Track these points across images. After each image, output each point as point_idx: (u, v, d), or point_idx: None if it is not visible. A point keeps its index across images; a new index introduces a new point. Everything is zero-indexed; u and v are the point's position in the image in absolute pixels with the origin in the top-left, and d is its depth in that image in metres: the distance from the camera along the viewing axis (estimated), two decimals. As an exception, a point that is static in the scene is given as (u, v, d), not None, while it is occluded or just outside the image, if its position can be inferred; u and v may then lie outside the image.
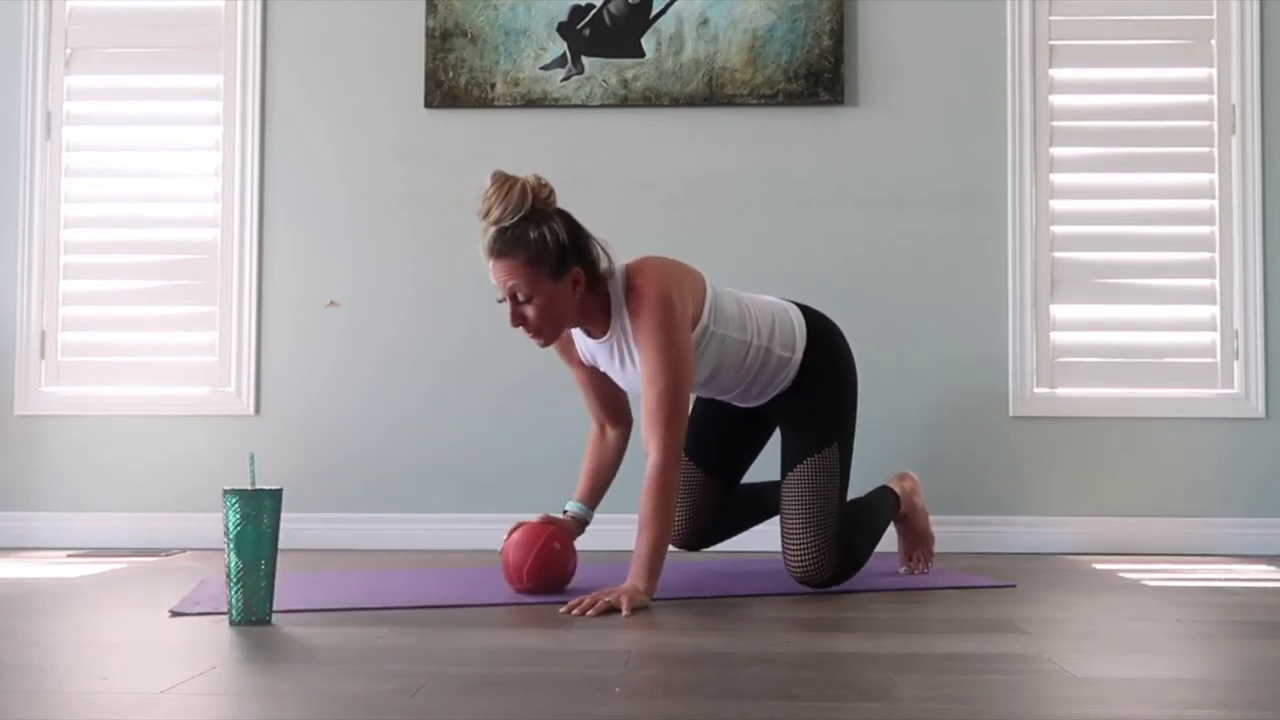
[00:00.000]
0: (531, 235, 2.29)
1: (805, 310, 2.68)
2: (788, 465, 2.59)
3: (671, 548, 2.60)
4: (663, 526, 2.34)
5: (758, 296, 2.65)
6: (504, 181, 2.29)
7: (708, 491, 2.77)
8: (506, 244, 2.29)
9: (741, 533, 2.90)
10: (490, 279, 2.35)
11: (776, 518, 2.80)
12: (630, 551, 3.01)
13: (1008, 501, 3.45)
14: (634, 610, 2.22)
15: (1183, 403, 3.46)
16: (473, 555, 3.24)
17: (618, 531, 3.09)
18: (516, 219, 2.27)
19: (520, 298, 2.32)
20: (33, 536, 3.52)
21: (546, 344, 2.44)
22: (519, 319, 2.35)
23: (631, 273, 2.42)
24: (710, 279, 2.52)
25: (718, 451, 2.77)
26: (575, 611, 2.21)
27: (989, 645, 1.91)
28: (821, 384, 2.62)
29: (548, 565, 2.44)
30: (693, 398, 2.73)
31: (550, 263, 2.31)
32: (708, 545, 2.85)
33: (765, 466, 2.83)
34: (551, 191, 2.33)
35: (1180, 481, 3.45)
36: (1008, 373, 3.47)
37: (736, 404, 2.72)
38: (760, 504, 2.86)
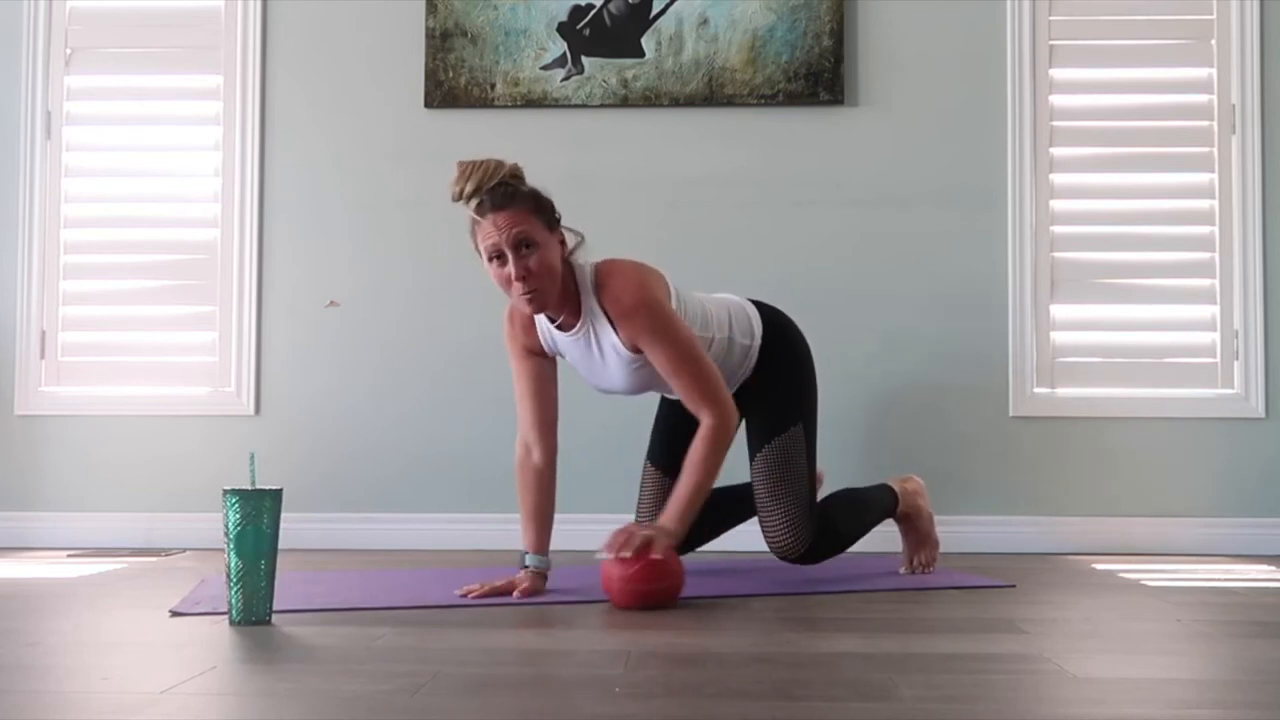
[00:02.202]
0: (523, 189, 2.38)
1: (757, 304, 2.75)
2: (755, 448, 2.66)
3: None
4: (705, 475, 2.42)
5: (711, 295, 2.72)
6: (471, 162, 2.37)
7: None
8: (505, 196, 2.35)
9: (714, 538, 2.89)
10: (480, 244, 2.36)
11: (749, 520, 2.82)
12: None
13: (1008, 501, 3.45)
14: (664, 552, 2.31)
15: (1183, 403, 3.46)
16: (473, 555, 3.24)
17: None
18: (499, 179, 2.35)
19: (524, 247, 2.34)
20: (33, 536, 3.52)
21: (541, 308, 2.42)
22: (522, 270, 2.34)
23: (602, 272, 2.45)
24: (670, 279, 2.57)
25: (683, 458, 2.78)
26: (610, 552, 2.30)
27: (989, 645, 1.91)
28: (780, 370, 2.69)
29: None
30: (658, 399, 2.79)
31: (546, 213, 2.40)
32: (679, 554, 2.84)
33: (738, 473, 2.85)
34: (518, 166, 2.41)
35: (1180, 481, 3.45)
36: (1008, 373, 3.47)
37: None
38: (732, 505, 2.87)
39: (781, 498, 2.60)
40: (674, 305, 2.50)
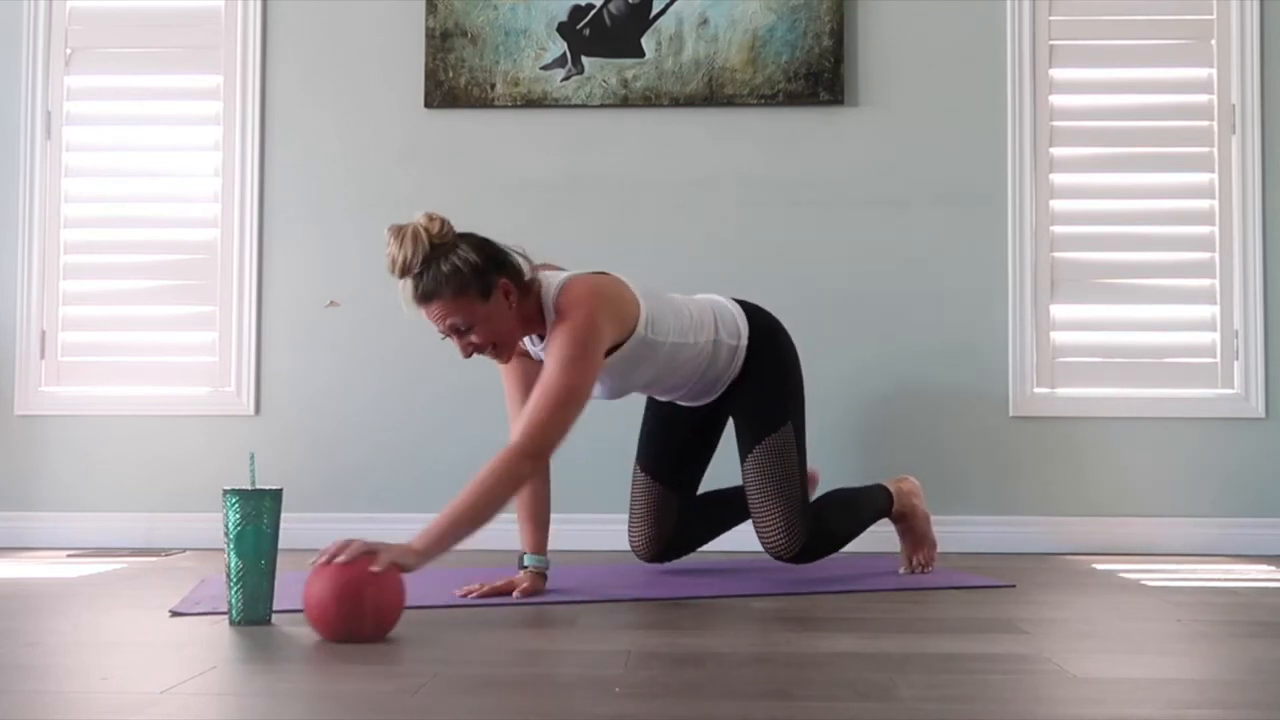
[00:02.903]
0: (444, 270, 2.30)
1: (741, 303, 2.74)
2: (746, 449, 2.64)
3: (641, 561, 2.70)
4: (477, 503, 2.16)
5: (694, 297, 2.70)
6: (397, 233, 2.31)
7: (668, 504, 2.80)
8: (425, 288, 2.31)
9: (708, 542, 2.92)
10: (429, 324, 2.38)
11: (745, 522, 2.83)
12: (609, 551, 3.03)
13: (1008, 501, 3.45)
14: (385, 566, 1.99)
15: (1183, 403, 3.46)
16: (472, 555, 3.23)
17: (614, 532, 3.10)
18: (421, 262, 2.29)
19: (463, 329, 2.35)
20: (33, 536, 3.52)
21: (508, 359, 2.46)
22: (470, 349, 2.38)
23: (563, 288, 2.41)
24: (645, 287, 2.52)
25: (672, 463, 2.79)
26: (325, 558, 1.99)
27: (989, 645, 1.91)
28: (768, 369, 2.67)
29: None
30: (644, 399, 2.78)
31: (475, 286, 2.31)
32: (673, 558, 2.87)
33: (724, 475, 2.86)
34: (444, 223, 2.32)
35: (1180, 482, 3.45)
36: (1008, 373, 3.47)
37: (687, 404, 2.76)
38: (723, 508, 2.88)
39: (774, 498, 2.59)
40: (643, 318, 2.45)
